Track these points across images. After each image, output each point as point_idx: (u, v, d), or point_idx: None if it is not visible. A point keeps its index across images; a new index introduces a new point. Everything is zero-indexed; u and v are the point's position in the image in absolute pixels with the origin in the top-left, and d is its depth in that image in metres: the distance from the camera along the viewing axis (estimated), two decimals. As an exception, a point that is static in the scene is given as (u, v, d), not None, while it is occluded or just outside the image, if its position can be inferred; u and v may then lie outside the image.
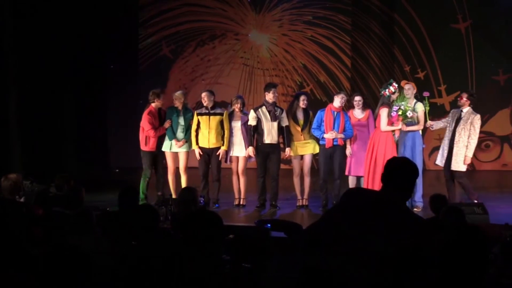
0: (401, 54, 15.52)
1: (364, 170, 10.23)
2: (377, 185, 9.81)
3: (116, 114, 16.03)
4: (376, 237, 3.69)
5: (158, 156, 10.82)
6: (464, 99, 10.05)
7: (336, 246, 3.77)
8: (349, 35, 15.73)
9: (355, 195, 4.10)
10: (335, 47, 15.80)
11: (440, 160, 10.16)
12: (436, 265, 4.70)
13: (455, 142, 9.96)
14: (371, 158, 10.07)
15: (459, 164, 9.98)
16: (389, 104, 10.08)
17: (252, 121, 10.35)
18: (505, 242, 5.72)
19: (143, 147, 10.74)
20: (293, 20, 15.98)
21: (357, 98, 10.67)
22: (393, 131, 10.12)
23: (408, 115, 9.94)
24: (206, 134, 10.51)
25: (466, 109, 10.03)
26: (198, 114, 10.58)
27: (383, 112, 10.08)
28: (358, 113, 10.61)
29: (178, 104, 10.74)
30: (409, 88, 10.33)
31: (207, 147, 10.55)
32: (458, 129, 9.96)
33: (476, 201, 9.61)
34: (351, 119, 10.46)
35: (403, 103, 10.01)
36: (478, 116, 10.03)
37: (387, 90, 10.18)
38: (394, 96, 10.14)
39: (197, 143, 10.58)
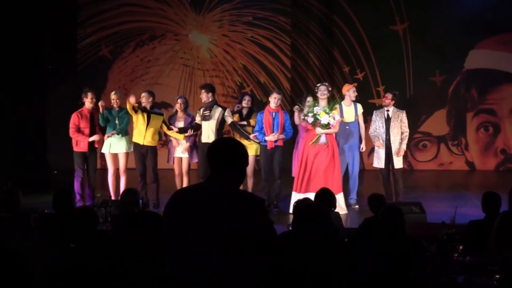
0: (340, 55, 15.67)
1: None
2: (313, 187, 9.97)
3: (54, 115, 15.78)
4: (218, 228, 3.47)
5: (89, 157, 10.68)
6: (389, 99, 10.47)
7: (182, 249, 3.55)
8: (289, 36, 15.82)
9: (178, 197, 3.75)
10: (275, 48, 15.87)
11: (377, 162, 10.42)
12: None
13: (391, 142, 10.28)
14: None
15: (400, 162, 10.44)
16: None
17: (198, 120, 10.49)
18: (442, 240, 5.81)
19: (74, 147, 10.64)
20: (233, 21, 16.00)
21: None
22: (319, 135, 10.02)
23: (322, 121, 9.91)
24: (143, 131, 10.44)
25: (392, 108, 10.48)
26: (138, 108, 10.50)
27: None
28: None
29: (114, 105, 10.65)
30: (353, 91, 10.62)
31: (141, 143, 10.48)
32: (391, 129, 10.33)
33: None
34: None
35: (316, 107, 10.01)
36: (404, 111, 10.57)
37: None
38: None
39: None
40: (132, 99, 10.30)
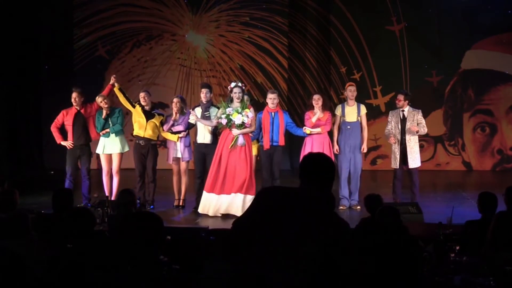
0: (337, 55, 15.68)
1: None
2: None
3: (51, 115, 15.74)
4: (298, 236, 3.50)
5: (80, 157, 10.67)
6: (402, 100, 10.35)
7: (258, 248, 3.55)
8: (286, 36, 15.81)
9: (271, 194, 3.84)
10: (272, 48, 15.87)
11: (394, 163, 10.40)
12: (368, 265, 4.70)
13: (406, 141, 10.25)
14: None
15: (416, 162, 10.39)
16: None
17: (191, 120, 10.38)
18: (439, 240, 5.82)
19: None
20: (230, 21, 15.99)
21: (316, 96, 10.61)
22: (236, 137, 9.88)
23: (236, 121, 9.84)
24: (144, 124, 10.44)
25: (407, 108, 10.37)
26: (140, 105, 10.51)
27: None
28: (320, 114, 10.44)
29: (102, 107, 10.60)
30: (352, 90, 10.53)
31: (142, 135, 10.46)
32: (406, 129, 10.26)
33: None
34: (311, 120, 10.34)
35: (228, 109, 9.92)
36: (419, 111, 10.45)
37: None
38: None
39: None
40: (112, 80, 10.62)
